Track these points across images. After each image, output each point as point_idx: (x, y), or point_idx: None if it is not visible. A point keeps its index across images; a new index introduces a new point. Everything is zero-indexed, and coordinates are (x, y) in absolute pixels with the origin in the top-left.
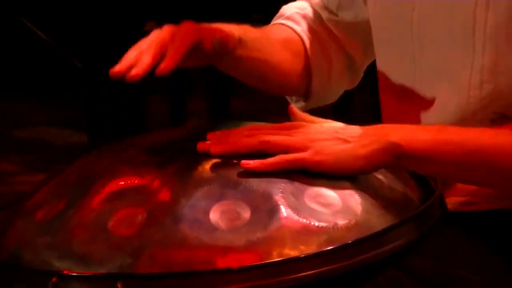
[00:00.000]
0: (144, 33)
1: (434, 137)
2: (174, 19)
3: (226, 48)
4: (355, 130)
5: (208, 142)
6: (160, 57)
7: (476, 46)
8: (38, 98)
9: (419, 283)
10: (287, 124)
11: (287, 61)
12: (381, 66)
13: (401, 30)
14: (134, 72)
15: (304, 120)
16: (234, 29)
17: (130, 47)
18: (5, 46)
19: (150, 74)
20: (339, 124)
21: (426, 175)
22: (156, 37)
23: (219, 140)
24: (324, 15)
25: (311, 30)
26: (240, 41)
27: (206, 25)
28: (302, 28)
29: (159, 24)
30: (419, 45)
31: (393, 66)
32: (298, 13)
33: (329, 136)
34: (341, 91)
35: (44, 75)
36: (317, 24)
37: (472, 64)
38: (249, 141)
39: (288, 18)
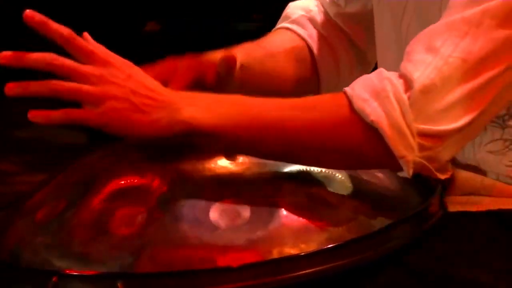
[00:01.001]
0: (144, 33)
1: (228, 111)
2: (175, 19)
3: (231, 72)
4: (151, 95)
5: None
6: None
7: None
8: (38, 98)
9: (420, 282)
10: (95, 54)
11: (293, 70)
12: (378, 59)
13: (393, 23)
14: None
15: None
16: (236, 53)
17: (131, 47)
18: (5, 46)
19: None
20: (139, 76)
21: (224, 150)
22: (158, 70)
23: (19, 84)
24: (332, 11)
25: (318, 33)
26: (242, 67)
27: (208, 58)
28: (308, 33)
29: (159, 24)
30: (407, 39)
31: (386, 59)
32: (304, 15)
33: (124, 95)
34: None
35: (44, 75)
36: (324, 25)
37: None
38: (40, 87)
39: (293, 21)
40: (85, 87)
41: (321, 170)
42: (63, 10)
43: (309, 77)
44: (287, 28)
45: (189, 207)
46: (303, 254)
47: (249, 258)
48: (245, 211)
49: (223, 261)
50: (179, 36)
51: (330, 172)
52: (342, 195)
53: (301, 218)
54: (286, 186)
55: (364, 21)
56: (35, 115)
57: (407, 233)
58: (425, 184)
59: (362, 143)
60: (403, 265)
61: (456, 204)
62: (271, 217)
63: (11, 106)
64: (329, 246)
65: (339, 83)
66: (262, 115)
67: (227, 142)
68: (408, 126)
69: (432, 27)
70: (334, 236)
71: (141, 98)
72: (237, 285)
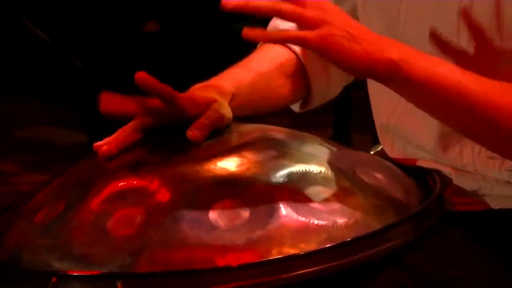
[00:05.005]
0: (144, 33)
1: (433, 68)
2: (174, 19)
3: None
4: (364, 32)
5: None
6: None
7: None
8: (38, 98)
9: (419, 282)
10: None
11: (285, 86)
12: None
13: (387, 27)
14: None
15: None
16: (227, 84)
17: (131, 47)
18: (5, 46)
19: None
20: (351, 19)
21: (410, 102)
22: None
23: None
24: None
25: None
26: (233, 96)
27: (201, 97)
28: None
29: (159, 24)
30: (404, 42)
31: None
32: (293, 27)
33: (342, 25)
34: (340, 90)
35: (44, 75)
36: None
37: (456, 64)
38: (262, 3)
39: None
40: (308, 12)
41: (320, 171)
42: (64, 10)
43: (300, 89)
44: None
45: (188, 208)
46: (302, 253)
47: (248, 258)
48: (245, 211)
49: (222, 261)
50: (178, 36)
51: (329, 172)
52: (341, 195)
53: (300, 218)
54: (285, 186)
55: None
56: (248, 32)
57: (407, 233)
58: (424, 184)
59: None
60: (403, 265)
61: (456, 204)
62: (271, 217)
63: (11, 106)
64: (328, 245)
65: (329, 92)
66: (463, 84)
67: (424, 95)
68: None
69: None
70: (333, 236)
71: (357, 31)
72: (237, 285)
